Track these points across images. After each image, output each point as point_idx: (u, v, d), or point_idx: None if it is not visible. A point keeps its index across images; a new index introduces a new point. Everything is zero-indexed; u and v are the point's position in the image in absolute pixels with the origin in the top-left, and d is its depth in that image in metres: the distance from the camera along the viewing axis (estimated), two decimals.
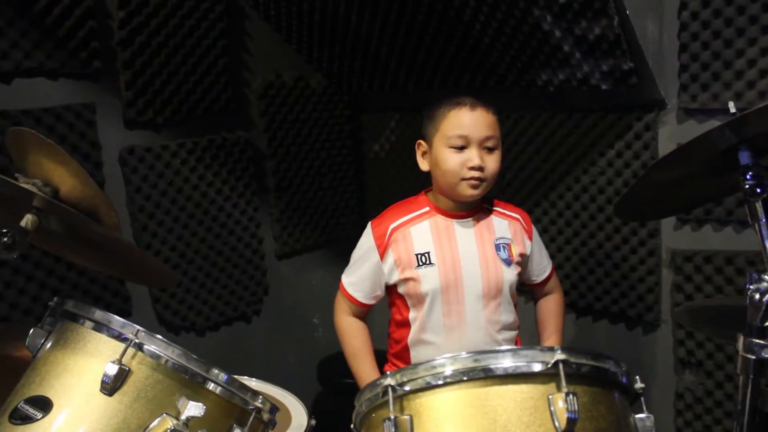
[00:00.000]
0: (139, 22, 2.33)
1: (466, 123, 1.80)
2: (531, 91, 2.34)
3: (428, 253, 1.85)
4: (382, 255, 1.88)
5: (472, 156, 1.79)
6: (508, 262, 1.88)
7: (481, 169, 1.79)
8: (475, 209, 1.91)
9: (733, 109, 1.35)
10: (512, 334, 1.94)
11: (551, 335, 2.01)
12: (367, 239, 1.92)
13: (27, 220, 1.43)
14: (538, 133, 2.45)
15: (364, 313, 1.98)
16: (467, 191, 1.82)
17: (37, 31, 2.14)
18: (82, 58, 2.23)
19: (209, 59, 2.54)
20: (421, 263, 1.84)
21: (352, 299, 1.94)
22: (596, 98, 2.26)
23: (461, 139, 1.80)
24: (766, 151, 1.33)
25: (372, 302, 1.95)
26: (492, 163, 1.81)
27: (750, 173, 1.29)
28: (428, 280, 1.84)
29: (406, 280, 1.86)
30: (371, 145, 3.07)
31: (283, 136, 2.83)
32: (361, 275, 1.92)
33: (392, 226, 1.88)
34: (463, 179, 1.80)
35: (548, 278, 2.02)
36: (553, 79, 2.23)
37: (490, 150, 1.82)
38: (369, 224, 1.94)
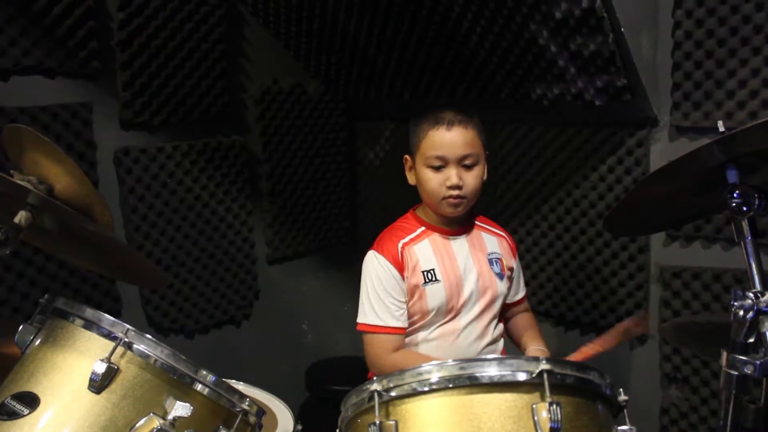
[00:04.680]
0: (139, 23, 2.34)
1: (442, 143, 1.82)
2: (525, 104, 2.36)
3: (433, 269, 1.86)
4: (402, 272, 1.85)
5: (450, 175, 1.81)
6: (501, 276, 1.94)
7: (459, 187, 1.81)
8: (467, 226, 1.96)
9: (722, 128, 1.37)
10: (500, 345, 1.99)
11: (533, 339, 2.00)
12: (377, 265, 1.86)
13: (21, 216, 1.43)
14: (531, 146, 2.47)
15: (404, 343, 1.88)
16: (448, 209, 1.85)
17: (37, 29, 2.15)
18: (80, 57, 2.24)
19: (207, 63, 2.55)
20: (427, 280, 1.85)
21: (393, 330, 1.84)
22: (590, 113, 2.28)
23: (439, 160, 1.82)
24: (753, 170, 1.35)
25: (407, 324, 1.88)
26: (471, 179, 1.83)
27: (737, 191, 1.31)
28: (435, 296, 1.85)
29: (413, 296, 1.86)
30: (366, 153, 3.08)
31: (278, 141, 2.84)
32: (393, 300, 1.84)
33: (401, 243, 1.88)
34: (444, 198, 1.83)
35: (522, 300, 2.08)
36: (548, 93, 2.25)
37: (469, 167, 1.83)
38: (371, 253, 1.89)
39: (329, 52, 2.72)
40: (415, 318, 1.88)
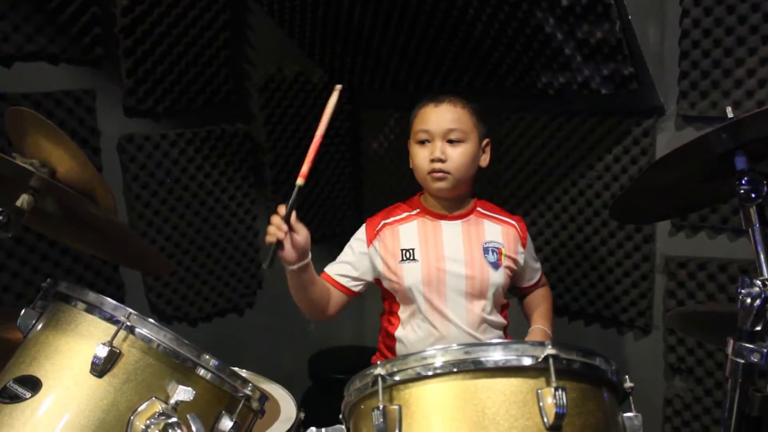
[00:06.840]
0: (142, 10, 2.33)
1: (429, 117, 1.87)
2: (531, 93, 2.34)
3: (413, 249, 1.90)
4: (369, 243, 1.95)
5: (434, 149, 1.85)
6: (495, 266, 1.91)
7: (441, 161, 1.84)
8: (466, 212, 1.96)
9: (730, 114, 1.36)
10: (497, 333, 1.97)
11: (539, 317, 2.04)
12: (358, 232, 2.00)
13: (23, 200, 1.42)
14: (536, 135, 2.45)
15: (331, 292, 1.96)
16: (434, 185, 1.88)
17: (40, 15, 2.14)
18: (83, 43, 2.23)
19: (211, 50, 2.54)
20: (405, 258, 1.90)
21: (326, 277, 1.95)
22: (596, 102, 2.27)
23: (425, 134, 1.87)
24: (761, 156, 1.34)
25: (340, 281, 1.95)
26: (456, 155, 1.85)
27: (745, 178, 1.30)
28: (410, 275, 1.89)
29: (390, 273, 1.91)
30: (370, 143, 3.07)
31: (282, 129, 2.83)
32: (343, 259, 1.99)
33: (384, 222, 1.96)
34: (429, 173, 1.86)
35: (536, 283, 2.08)
36: (554, 82, 2.23)
37: (454, 142, 1.86)
38: (365, 222, 2.00)
39: (334, 40, 2.71)
40: (399, 296, 1.93)
